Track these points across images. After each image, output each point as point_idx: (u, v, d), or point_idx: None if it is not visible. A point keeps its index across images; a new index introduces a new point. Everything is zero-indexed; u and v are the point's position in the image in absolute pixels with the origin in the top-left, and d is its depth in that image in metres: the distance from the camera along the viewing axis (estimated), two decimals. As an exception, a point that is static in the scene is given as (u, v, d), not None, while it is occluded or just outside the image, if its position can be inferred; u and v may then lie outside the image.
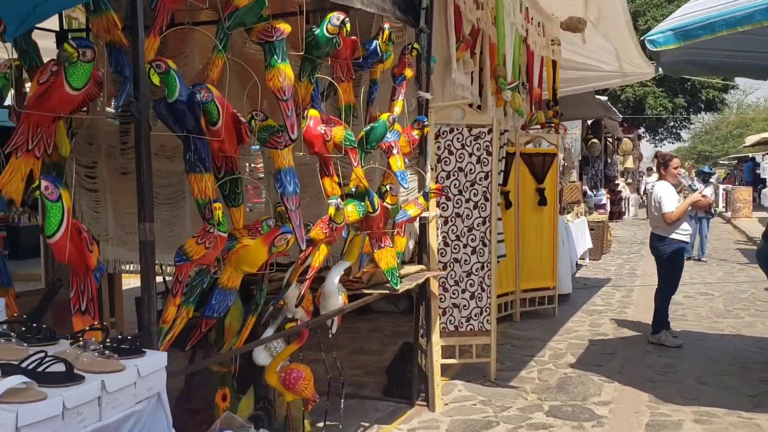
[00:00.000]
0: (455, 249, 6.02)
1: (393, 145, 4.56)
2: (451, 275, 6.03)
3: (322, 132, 3.62)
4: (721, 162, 47.96)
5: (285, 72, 3.21)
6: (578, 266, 12.09)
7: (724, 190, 26.73)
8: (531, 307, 8.55)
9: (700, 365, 6.46)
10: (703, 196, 7.83)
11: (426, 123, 4.90)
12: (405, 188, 4.50)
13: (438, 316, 5.49)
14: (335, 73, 4.14)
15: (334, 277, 4.15)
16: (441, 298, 6.00)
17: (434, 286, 5.40)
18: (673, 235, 7.07)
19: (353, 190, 4.28)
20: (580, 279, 11.29)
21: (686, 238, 7.20)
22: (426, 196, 5.06)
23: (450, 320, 6.05)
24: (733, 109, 47.65)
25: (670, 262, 7.14)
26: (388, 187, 4.62)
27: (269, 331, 4.01)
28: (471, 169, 6.00)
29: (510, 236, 8.12)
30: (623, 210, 22.34)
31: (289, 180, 3.30)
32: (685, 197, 7.67)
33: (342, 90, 4.18)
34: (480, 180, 6.02)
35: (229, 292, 3.10)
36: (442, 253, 5.98)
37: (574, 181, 13.95)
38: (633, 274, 11.94)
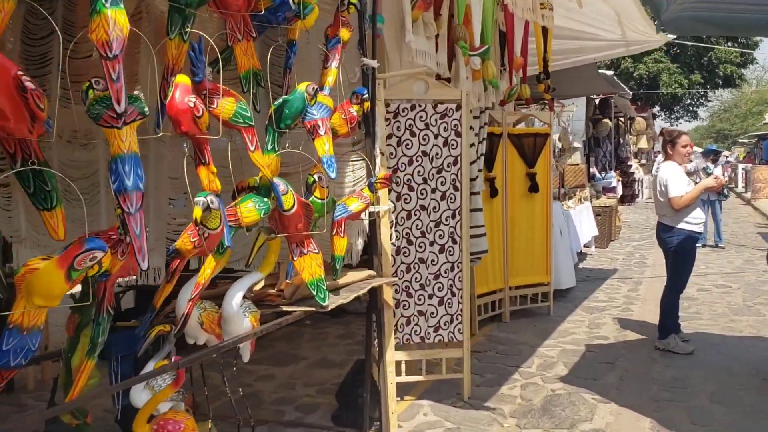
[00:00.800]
0: (420, 247, 5.07)
1: (319, 123, 3.62)
2: (416, 278, 5.08)
3: (191, 105, 2.67)
4: (740, 140, 46.49)
5: (115, 20, 2.27)
6: (582, 255, 11.10)
7: (743, 169, 25.49)
8: (523, 305, 7.59)
9: (715, 378, 5.49)
10: (715, 177, 6.80)
11: (366, 96, 3.95)
12: (332, 177, 3.55)
13: (392, 330, 4.55)
14: (229, 30, 3.19)
15: (235, 296, 3.23)
16: (404, 305, 5.07)
17: (387, 295, 4.46)
18: (682, 225, 6.07)
19: (259, 182, 3.34)
20: (583, 270, 10.31)
21: (698, 228, 6.18)
22: (371, 187, 4.10)
23: (415, 330, 5.12)
24: (753, 85, 46.10)
25: (680, 256, 6.15)
26: (316, 176, 3.69)
27: (150, 365, 3.09)
28: (437, 153, 5.05)
29: (497, 227, 7.17)
30: (636, 192, 21.23)
31: (129, 171, 2.38)
32: (697, 182, 6.66)
33: (239, 52, 3.23)
34: (448, 166, 5.06)
35: (30, 334, 2.18)
36: (405, 252, 5.04)
37: (577, 164, 12.91)
38: (642, 264, 10.93)
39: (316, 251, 3.57)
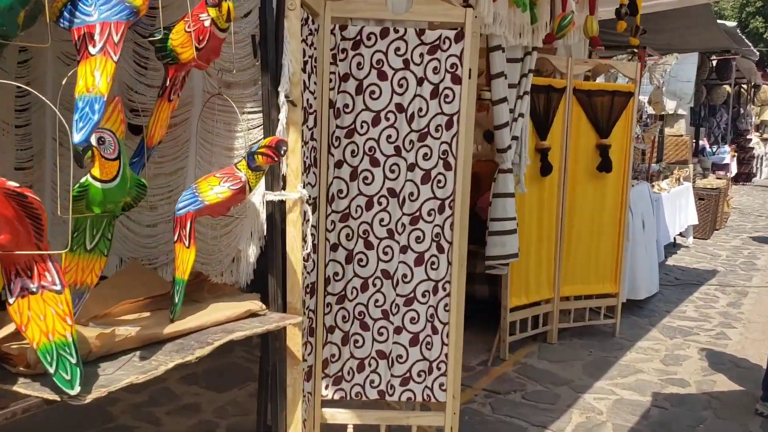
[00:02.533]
0: (385, 254, 3.18)
1: (96, 30, 1.78)
2: (377, 301, 3.20)
3: None
4: None
5: None
6: (673, 248, 8.82)
7: None
8: (578, 322, 5.53)
9: None
10: None
11: (226, -7, 2.07)
12: (75, 141, 1.68)
13: (300, 397, 2.67)
14: None
15: None
16: (356, 341, 3.23)
17: (293, 342, 2.59)
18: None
19: None
20: (672, 270, 8.06)
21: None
22: (252, 162, 2.24)
23: (371, 381, 3.26)
24: None
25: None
26: (95, 139, 1.87)
27: None
28: (420, 110, 3.10)
29: (548, 216, 5.16)
30: (753, 171, 18.21)
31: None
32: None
33: None
34: (437, 130, 3.13)
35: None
36: (360, 260, 3.17)
37: (680, 135, 10.44)
38: (751, 265, 8.55)
39: (58, 287, 1.74)
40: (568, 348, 5.32)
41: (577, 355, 5.17)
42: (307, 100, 2.79)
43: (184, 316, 2.28)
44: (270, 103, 2.43)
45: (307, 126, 2.80)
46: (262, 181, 2.46)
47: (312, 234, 2.74)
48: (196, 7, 2.12)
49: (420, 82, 3.09)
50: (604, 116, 5.31)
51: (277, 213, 2.48)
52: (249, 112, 2.58)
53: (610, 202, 5.46)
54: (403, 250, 3.19)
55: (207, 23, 2.08)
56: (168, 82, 2.20)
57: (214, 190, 2.20)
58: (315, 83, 2.97)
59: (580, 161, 5.31)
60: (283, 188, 2.52)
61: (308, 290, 2.97)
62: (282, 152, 2.22)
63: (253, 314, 2.43)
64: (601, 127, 5.31)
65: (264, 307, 2.47)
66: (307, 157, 2.81)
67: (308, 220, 2.61)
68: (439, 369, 3.24)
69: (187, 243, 2.20)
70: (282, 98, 2.43)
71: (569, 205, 5.30)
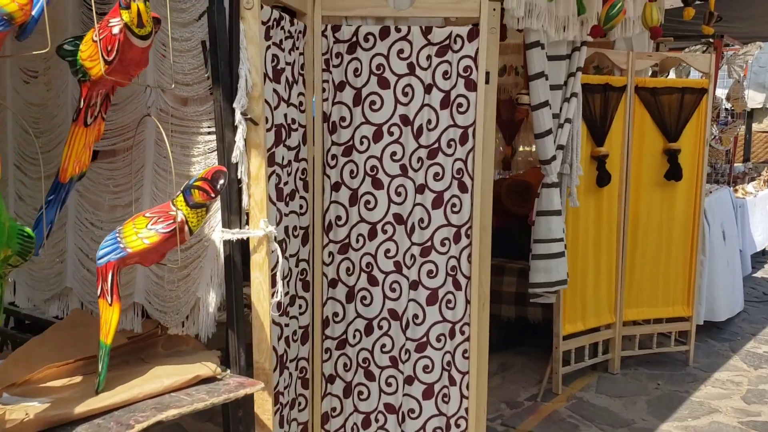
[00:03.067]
0: (392, 291, 2.70)
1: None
2: (384, 346, 2.72)
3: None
4: None
5: None
6: (764, 256, 7.95)
7: None
8: (645, 348, 4.89)
9: None
10: None
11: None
12: None
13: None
14: None
15: None
16: (360, 393, 2.77)
17: (263, 410, 2.15)
18: None
19: None
20: (762, 282, 7.22)
21: None
22: (189, 198, 1.79)
23: (377, 440, 2.77)
24: None
25: None
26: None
27: None
28: (430, 122, 2.61)
29: (608, 231, 4.55)
30: None
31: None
32: None
33: None
34: (449, 146, 2.62)
35: None
36: (363, 298, 2.72)
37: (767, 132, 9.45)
38: None
39: None
40: (632, 379, 4.68)
41: (642, 388, 4.54)
42: (286, 115, 2.34)
43: (114, 385, 1.87)
44: (224, 121, 1.98)
45: (287, 146, 2.34)
46: (217, 216, 2.02)
47: (286, 277, 2.28)
48: (111, 11, 1.69)
49: (428, 89, 2.59)
50: (672, 117, 4.65)
51: (236, 254, 2.03)
52: (207, 133, 2.14)
53: (680, 213, 4.78)
54: (414, 286, 2.69)
55: (116, 29, 1.66)
56: (82, 103, 1.78)
57: (139, 234, 1.78)
58: (302, 94, 2.51)
59: (645, 169, 4.66)
60: (247, 224, 2.07)
61: (296, 337, 2.52)
62: (218, 186, 1.77)
63: (205, 380, 2.00)
64: (668, 130, 4.65)
65: (220, 371, 2.03)
66: (288, 183, 2.35)
67: (279, 261, 2.15)
68: (458, 426, 2.74)
69: (109, 299, 1.79)
70: (238, 116, 1.98)
71: (632, 218, 4.67)
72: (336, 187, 2.66)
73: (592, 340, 4.63)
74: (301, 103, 2.49)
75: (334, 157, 2.65)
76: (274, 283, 2.12)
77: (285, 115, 2.32)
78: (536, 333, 4.92)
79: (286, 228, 2.36)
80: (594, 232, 4.50)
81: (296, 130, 2.43)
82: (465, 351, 2.69)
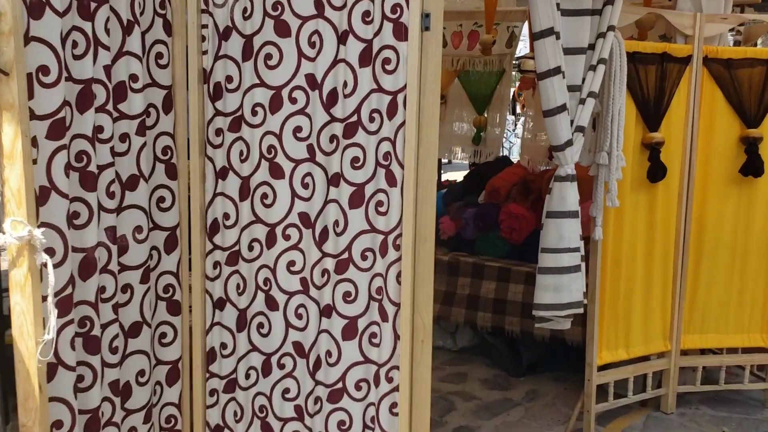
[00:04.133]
0: (297, 318, 1.95)
1: None
2: (286, 391, 1.96)
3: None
4: None
5: None
6: None
7: None
8: (709, 384, 3.90)
9: None
10: None
11: None
12: None
13: None
14: None
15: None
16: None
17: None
18: None
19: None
20: None
21: None
22: None
23: None
24: None
25: None
26: None
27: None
28: (346, 84, 1.81)
29: (662, 239, 3.63)
30: None
31: None
32: None
33: None
34: (373, 119, 1.81)
35: None
36: (260, 326, 1.95)
37: None
38: None
39: None
40: (690, 422, 3.71)
41: (701, 436, 3.57)
42: (111, 68, 1.60)
43: None
44: None
45: (110, 111, 1.61)
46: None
47: (109, 299, 1.56)
48: None
49: (343, 37, 1.80)
50: (753, 96, 3.62)
51: None
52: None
53: (760, 218, 3.75)
54: (326, 312, 1.92)
55: None
56: None
57: None
58: (161, 43, 1.77)
59: (715, 161, 3.66)
60: None
61: (160, 384, 1.79)
62: None
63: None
64: (747, 112, 3.63)
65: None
66: (119, 165, 1.63)
67: (51, 279, 1.43)
68: None
69: None
70: None
71: (697, 222, 3.68)
72: (222, 173, 1.92)
73: (639, 372, 3.70)
74: (159, 55, 1.75)
75: (219, 132, 1.90)
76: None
77: (110, 69, 1.59)
78: (579, 356, 4.03)
79: (112, 230, 1.63)
80: (644, 238, 3.57)
81: (140, 90, 1.70)
82: (393, 405, 1.89)
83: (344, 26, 1.82)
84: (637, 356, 3.69)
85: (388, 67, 1.80)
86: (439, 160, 6.43)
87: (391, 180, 1.84)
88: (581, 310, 2.82)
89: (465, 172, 5.55)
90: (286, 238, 1.92)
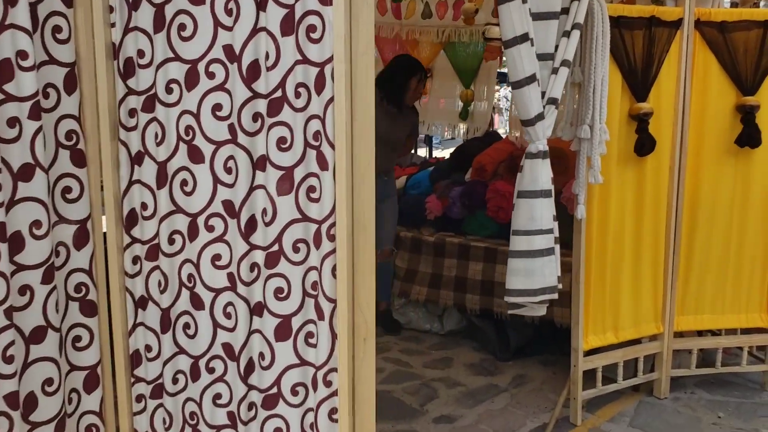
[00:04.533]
0: (226, 318, 1.74)
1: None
2: (217, 397, 1.77)
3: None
4: None
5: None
6: None
7: None
8: (705, 367, 3.70)
9: None
10: None
11: None
12: None
13: None
14: None
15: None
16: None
17: None
18: None
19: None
20: None
21: None
22: None
23: None
24: None
25: None
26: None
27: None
28: (268, 56, 1.58)
29: (652, 216, 3.43)
30: None
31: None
32: None
33: None
34: (299, 94, 1.59)
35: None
36: (186, 327, 1.75)
37: None
38: None
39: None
40: (684, 407, 3.51)
41: (694, 421, 3.37)
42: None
43: None
44: None
45: (12, 92, 1.42)
46: None
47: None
48: None
49: (262, 3, 1.57)
50: (749, 62, 3.37)
51: None
52: None
53: (758, 191, 3.52)
54: (257, 311, 1.72)
55: None
56: None
57: None
58: (59, 14, 1.56)
59: (708, 132, 3.43)
60: None
61: (76, 392, 1.60)
62: None
63: None
64: (743, 79, 3.38)
65: None
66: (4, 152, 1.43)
67: None
68: None
69: None
70: None
71: (690, 197, 3.46)
72: (138, 158, 1.72)
73: (629, 356, 3.50)
74: (57, 29, 1.54)
75: (133, 113, 1.70)
76: None
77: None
78: (569, 338, 3.83)
79: (1, 226, 1.43)
80: (633, 215, 3.36)
81: (30, 69, 1.49)
82: (332, 410, 1.70)
83: (265, -11, 1.60)
84: (628, 340, 3.49)
85: (314, 36, 1.58)
86: (429, 137, 6.19)
87: (322, 162, 1.63)
88: (555, 296, 2.61)
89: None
90: (210, 229, 1.72)
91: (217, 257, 1.74)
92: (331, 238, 1.64)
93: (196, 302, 1.77)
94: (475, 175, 4.44)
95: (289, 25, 1.59)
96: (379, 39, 5.19)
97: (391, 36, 4.98)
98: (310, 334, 1.72)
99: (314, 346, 1.72)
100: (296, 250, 1.68)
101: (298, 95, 1.61)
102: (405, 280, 4.45)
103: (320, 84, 1.59)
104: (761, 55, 3.37)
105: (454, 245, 4.29)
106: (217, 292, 1.76)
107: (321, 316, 1.69)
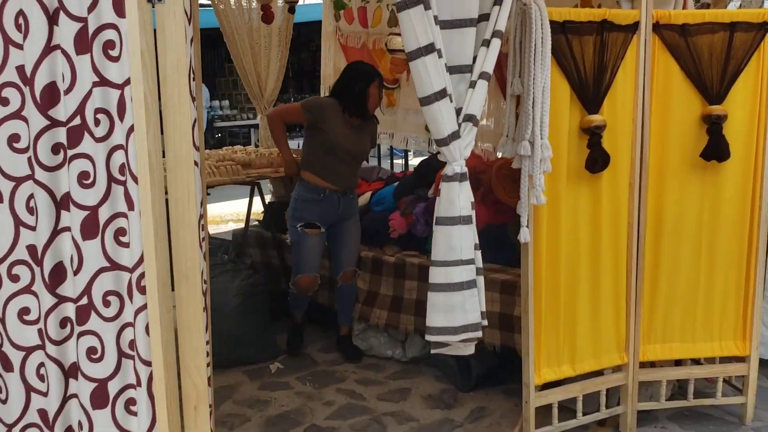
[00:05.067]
0: (40, 380, 1.47)
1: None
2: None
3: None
4: None
5: None
6: None
7: None
8: (678, 400, 3.38)
9: None
10: None
11: None
12: None
13: None
14: None
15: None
16: None
17: None
18: None
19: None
20: None
21: None
22: None
23: None
24: None
25: None
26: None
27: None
28: (64, 78, 1.30)
29: (611, 238, 3.13)
30: None
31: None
32: None
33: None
34: (98, 121, 1.31)
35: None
36: None
37: None
38: None
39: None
40: (652, 447, 3.18)
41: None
42: None
43: None
44: None
45: None
46: None
47: None
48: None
49: (54, 16, 1.32)
50: (714, 68, 3.05)
51: None
52: None
53: (729, 208, 3.19)
54: (72, 373, 1.46)
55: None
56: None
57: None
58: None
59: (672, 145, 3.11)
60: None
61: None
62: None
63: None
64: (708, 87, 3.06)
65: None
66: None
67: None
68: None
69: None
70: None
71: (653, 216, 3.15)
72: (-67, 197, 1.45)
73: (589, 389, 3.19)
74: None
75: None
76: None
77: None
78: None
79: None
80: (588, 237, 3.06)
81: None
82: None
83: (55, 2, 1.34)
84: (588, 372, 3.17)
85: (112, 53, 1.32)
86: (405, 151, 5.91)
87: (129, 201, 1.36)
88: (479, 334, 2.31)
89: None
90: (14, 279, 1.47)
91: (25, 311, 1.49)
92: (142, 290, 1.37)
93: (5, 363, 1.51)
94: (437, 191, 4.15)
95: (83, 42, 1.33)
96: (347, 48, 4.95)
97: (358, 46, 4.72)
98: (131, 401, 1.45)
99: (136, 414, 1.45)
100: (106, 303, 1.42)
101: (97, 123, 1.35)
102: (365, 303, 4.17)
103: (122, 109, 1.33)
104: (728, 60, 3.04)
105: (414, 266, 4.01)
106: (28, 351, 1.50)
107: (139, 382, 1.42)
